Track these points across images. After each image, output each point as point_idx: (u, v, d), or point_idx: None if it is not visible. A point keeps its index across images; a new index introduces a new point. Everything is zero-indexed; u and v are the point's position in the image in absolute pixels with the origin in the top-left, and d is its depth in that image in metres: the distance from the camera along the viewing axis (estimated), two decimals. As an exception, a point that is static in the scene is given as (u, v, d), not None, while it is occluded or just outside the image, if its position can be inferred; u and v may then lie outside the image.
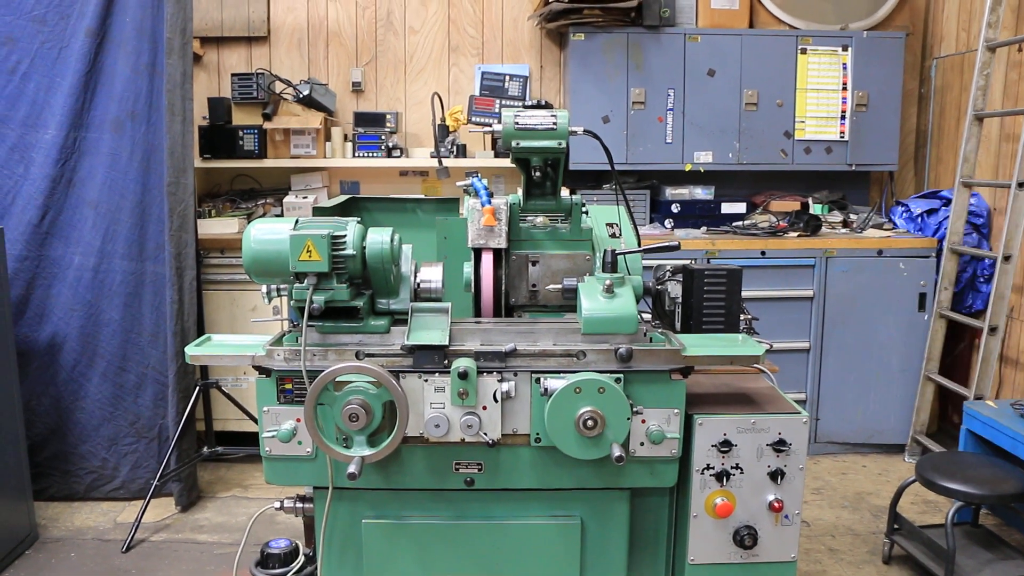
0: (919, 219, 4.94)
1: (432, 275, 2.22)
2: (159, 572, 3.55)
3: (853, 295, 4.77)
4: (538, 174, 2.30)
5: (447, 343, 2.00)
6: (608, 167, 2.40)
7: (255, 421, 4.31)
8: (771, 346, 2.30)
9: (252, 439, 4.43)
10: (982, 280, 4.69)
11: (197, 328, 4.14)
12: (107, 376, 4.10)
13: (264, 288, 2.10)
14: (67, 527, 3.95)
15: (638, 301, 2.15)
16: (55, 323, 4.05)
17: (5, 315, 3.64)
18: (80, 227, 4.04)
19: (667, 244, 2.34)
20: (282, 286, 2.09)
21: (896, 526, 3.64)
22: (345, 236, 2.03)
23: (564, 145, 2.18)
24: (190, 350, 2.09)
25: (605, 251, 2.16)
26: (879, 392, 4.85)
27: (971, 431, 3.78)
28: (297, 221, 2.05)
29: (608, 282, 2.09)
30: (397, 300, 2.19)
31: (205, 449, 4.40)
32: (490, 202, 2.33)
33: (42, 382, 4.07)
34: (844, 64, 5.08)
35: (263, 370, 2.04)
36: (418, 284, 2.21)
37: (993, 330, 4.30)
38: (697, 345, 2.08)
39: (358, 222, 2.08)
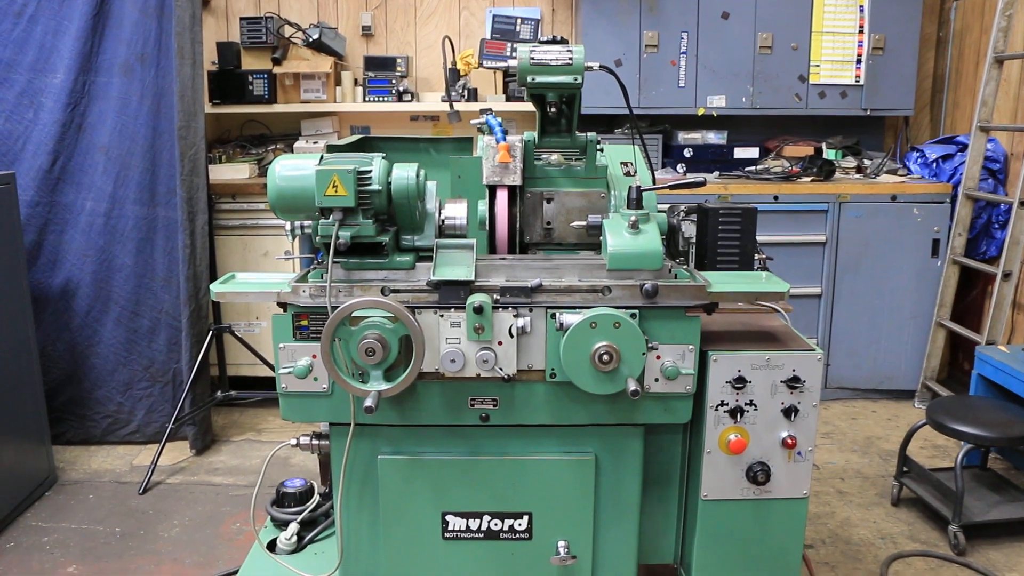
0: (934, 164, 4.89)
1: (457, 211, 2.21)
2: (176, 513, 3.61)
3: (866, 240, 4.74)
4: (553, 111, 2.27)
5: (473, 279, 2.00)
6: (621, 110, 2.37)
7: (269, 366, 4.37)
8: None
9: (265, 383, 4.53)
10: (997, 226, 4.65)
11: (210, 272, 4.15)
12: (121, 321, 4.12)
13: (288, 225, 2.10)
14: (85, 470, 4.01)
15: (662, 237, 2.14)
16: (68, 269, 4.06)
17: (19, 261, 3.65)
18: (91, 172, 4.02)
19: (692, 180, 2.32)
20: (306, 223, 2.09)
21: (905, 469, 3.67)
22: (371, 171, 2.02)
23: (580, 80, 2.16)
24: (215, 287, 2.09)
25: (630, 188, 2.14)
26: (890, 338, 4.85)
27: (982, 376, 3.79)
28: (322, 157, 2.04)
29: (633, 218, 2.08)
30: (422, 236, 2.18)
31: (219, 393, 4.44)
32: (505, 139, 2.31)
33: (57, 327, 4.10)
34: (861, 6, 4.99)
35: (286, 307, 2.04)
36: (443, 220, 2.20)
37: (1007, 276, 4.28)
38: (722, 282, 2.07)
39: (383, 158, 2.07)
